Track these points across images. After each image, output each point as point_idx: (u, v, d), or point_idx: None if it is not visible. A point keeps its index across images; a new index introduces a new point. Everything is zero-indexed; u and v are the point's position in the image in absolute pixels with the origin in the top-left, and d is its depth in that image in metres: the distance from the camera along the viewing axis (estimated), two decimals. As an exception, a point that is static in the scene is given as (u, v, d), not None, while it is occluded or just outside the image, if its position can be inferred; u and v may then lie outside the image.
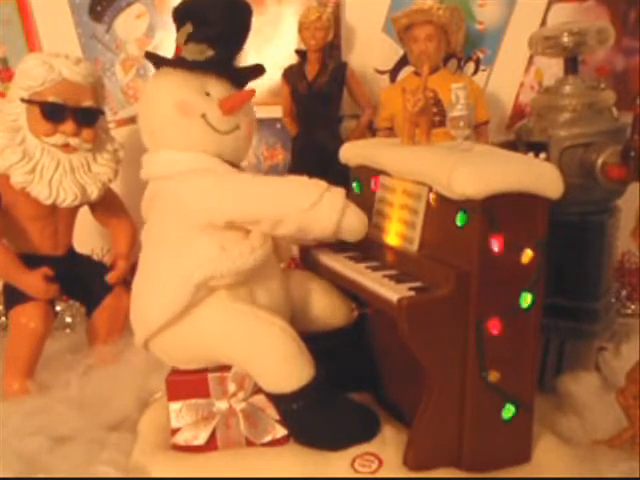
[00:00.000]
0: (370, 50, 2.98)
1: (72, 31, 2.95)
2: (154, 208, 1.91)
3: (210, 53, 1.89)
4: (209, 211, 1.80)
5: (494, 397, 1.70)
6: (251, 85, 2.07)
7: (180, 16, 1.93)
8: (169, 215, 1.84)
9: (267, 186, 1.84)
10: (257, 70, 2.04)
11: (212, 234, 1.79)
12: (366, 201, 2.01)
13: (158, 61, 2.00)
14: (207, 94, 1.91)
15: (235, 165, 1.96)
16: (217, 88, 1.93)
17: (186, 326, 1.79)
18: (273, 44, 2.99)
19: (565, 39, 2.21)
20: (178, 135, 1.90)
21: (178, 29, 1.94)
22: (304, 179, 1.83)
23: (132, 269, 2.12)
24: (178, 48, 1.94)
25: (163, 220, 1.87)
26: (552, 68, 2.83)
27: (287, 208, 1.77)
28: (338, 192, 1.81)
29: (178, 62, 1.93)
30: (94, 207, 2.54)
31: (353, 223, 1.81)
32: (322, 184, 1.80)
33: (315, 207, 1.76)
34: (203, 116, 1.88)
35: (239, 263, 1.77)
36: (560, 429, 1.93)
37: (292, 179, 1.86)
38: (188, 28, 1.89)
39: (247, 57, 2.88)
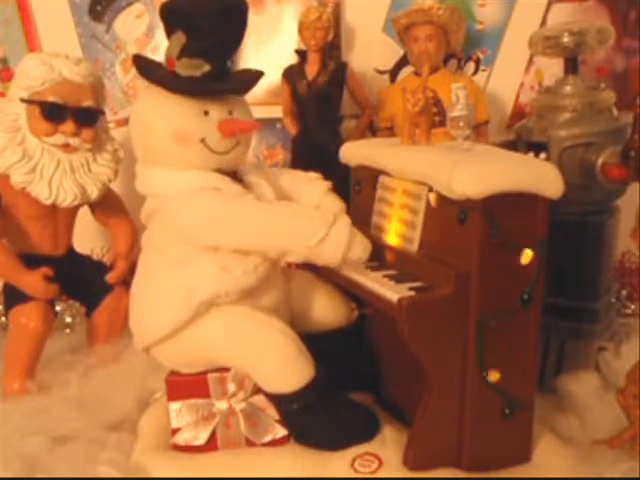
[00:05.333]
0: (370, 50, 2.98)
1: (72, 31, 2.95)
2: (155, 220, 1.87)
3: (206, 68, 1.77)
4: (213, 239, 1.76)
5: (494, 397, 1.70)
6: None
7: (170, 20, 1.80)
8: (170, 232, 1.81)
9: (273, 220, 1.78)
10: (256, 77, 1.94)
11: (214, 254, 1.77)
12: (366, 201, 2.01)
13: (153, 80, 1.85)
14: (206, 113, 1.82)
15: (234, 172, 1.92)
16: (216, 105, 1.83)
17: (186, 331, 1.79)
18: (273, 44, 2.99)
19: (565, 39, 2.21)
20: (175, 158, 1.83)
21: (167, 32, 1.81)
22: (311, 213, 1.78)
23: (132, 269, 2.12)
24: (171, 60, 1.80)
25: (164, 234, 1.83)
26: (552, 68, 2.82)
27: (293, 244, 1.75)
28: (344, 226, 1.76)
29: (175, 85, 1.80)
30: (94, 207, 2.54)
31: (358, 254, 1.79)
32: (328, 219, 1.75)
33: (321, 244, 1.73)
34: (202, 141, 1.81)
35: (242, 282, 1.77)
36: (560, 429, 1.93)
37: (299, 213, 1.79)
38: (181, 38, 1.76)
39: (247, 57, 2.91)
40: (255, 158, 3.06)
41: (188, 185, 1.80)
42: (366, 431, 1.82)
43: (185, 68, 1.78)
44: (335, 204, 2.00)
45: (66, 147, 2.28)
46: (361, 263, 1.83)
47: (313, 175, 2.13)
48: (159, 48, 2.91)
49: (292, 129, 2.87)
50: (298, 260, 1.80)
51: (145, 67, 1.88)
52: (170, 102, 1.81)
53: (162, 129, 1.81)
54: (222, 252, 1.77)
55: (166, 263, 1.81)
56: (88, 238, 2.80)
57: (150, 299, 1.84)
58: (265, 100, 2.88)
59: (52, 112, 2.25)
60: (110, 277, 2.48)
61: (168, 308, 1.77)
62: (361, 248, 1.80)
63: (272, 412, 1.82)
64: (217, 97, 1.85)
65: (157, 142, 1.83)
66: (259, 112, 2.15)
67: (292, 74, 2.82)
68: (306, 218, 1.77)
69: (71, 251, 2.56)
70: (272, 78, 2.82)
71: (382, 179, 1.96)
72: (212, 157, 1.84)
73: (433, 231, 1.74)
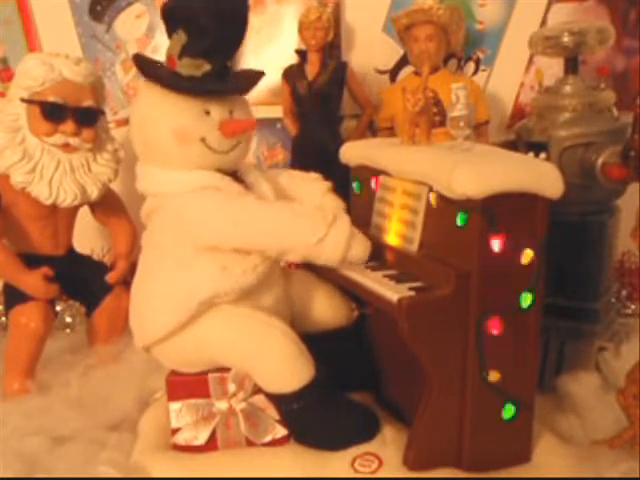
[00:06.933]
0: (370, 50, 2.98)
1: (72, 31, 2.95)
2: (155, 219, 1.87)
3: (207, 67, 1.77)
4: (213, 238, 1.77)
5: (494, 397, 1.70)
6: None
7: (171, 20, 1.79)
8: (170, 231, 1.81)
9: (273, 218, 1.79)
10: (257, 77, 1.93)
11: (214, 253, 1.77)
12: (366, 201, 2.01)
13: (155, 79, 1.83)
14: (207, 112, 1.82)
15: (234, 173, 1.91)
16: (217, 104, 1.83)
17: (186, 331, 1.79)
18: (273, 44, 2.99)
19: (565, 39, 2.22)
20: (175, 157, 1.82)
21: (169, 32, 1.80)
22: (311, 212, 1.79)
23: (132, 269, 2.12)
24: (172, 60, 1.79)
25: (164, 233, 1.83)
26: (552, 68, 2.83)
27: (293, 243, 1.76)
28: (344, 225, 1.78)
29: (176, 84, 1.78)
30: (94, 207, 2.54)
31: (358, 254, 1.81)
32: (328, 218, 1.76)
33: (321, 243, 1.74)
34: (203, 140, 1.81)
35: (242, 281, 1.77)
36: (560, 429, 1.93)
37: (299, 211, 1.80)
38: (182, 38, 1.75)
39: (247, 57, 2.91)
40: (255, 158, 3.07)
41: (188, 184, 1.80)
42: (366, 431, 1.81)
43: (186, 68, 1.77)
44: (335, 204, 2.01)
45: (66, 147, 2.28)
46: (361, 263, 1.83)
47: (313, 175, 2.13)
48: (159, 48, 2.91)
49: (292, 129, 2.87)
50: (298, 259, 1.81)
51: (146, 66, 1.87)
52: (171, 101, 1.80)
53: (162, 128, 1.80)
54: (222, 252, 1.77)
55: (167, 262, 1.81)
56: (88, 238, 2.80)
57: (150, 299, 1.84)
58: (265, 100, 2.88)
59: (52, 112, 2.25)
60: (110, 277, 2.48)
61: (168, 309, 1.77)
62: (361, 248, 1.81)
63: (272, 412, 1.82)
64: (218, 97, 1.84)
65: (157, 141, 1.82)
66: (259, 112, 2.15)
67: (292, 74, 2.82)
68: (306, 217, 1.78)
69: (71, 251, 2.56)
70: (272, 78, 2.82)
71: (382, 179, 1.96)
72: (213, 156, 1.84)
73: (433, 231, 1.74)
